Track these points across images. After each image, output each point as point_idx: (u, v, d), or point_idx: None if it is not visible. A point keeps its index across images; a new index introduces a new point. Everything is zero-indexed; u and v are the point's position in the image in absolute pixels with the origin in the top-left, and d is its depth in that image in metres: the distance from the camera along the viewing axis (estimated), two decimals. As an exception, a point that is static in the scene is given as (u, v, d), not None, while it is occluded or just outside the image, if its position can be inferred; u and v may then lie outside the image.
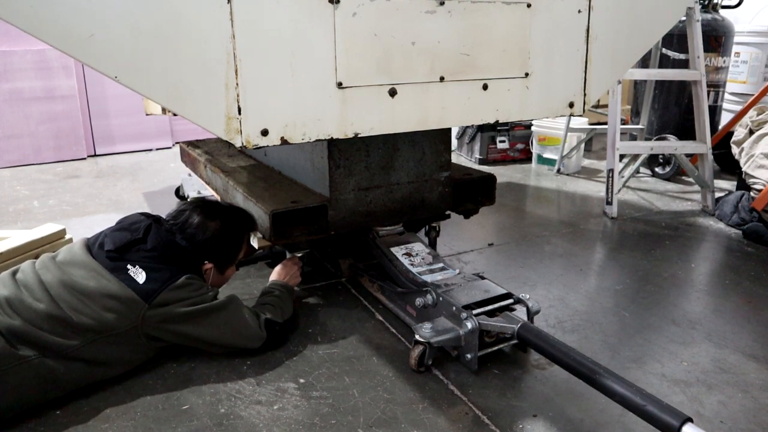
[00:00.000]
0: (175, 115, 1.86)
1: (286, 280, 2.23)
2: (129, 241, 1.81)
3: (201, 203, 2.04)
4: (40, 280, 1.72)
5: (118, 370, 1.81)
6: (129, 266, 1.75)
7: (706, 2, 4.28)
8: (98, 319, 1.68)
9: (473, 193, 2.61)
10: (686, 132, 4.02)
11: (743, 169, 3.50)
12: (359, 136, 1.73)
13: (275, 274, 2.26)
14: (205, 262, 1.97)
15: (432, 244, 2.65)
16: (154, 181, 4.40)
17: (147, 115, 3.92)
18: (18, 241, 2.70)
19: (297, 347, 2.04)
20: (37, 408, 1.67)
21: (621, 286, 2.57)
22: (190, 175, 3.59)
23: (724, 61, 4.37)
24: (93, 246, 1.85)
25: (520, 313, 1.96)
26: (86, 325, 1.67)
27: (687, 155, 3.79)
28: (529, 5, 1.91)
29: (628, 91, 5.49)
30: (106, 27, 1.34)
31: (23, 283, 1.72)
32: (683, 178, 4.36)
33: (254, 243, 2.44)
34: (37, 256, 2.72)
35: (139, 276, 1.74)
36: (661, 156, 4.39)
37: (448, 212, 2.58)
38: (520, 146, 4.97)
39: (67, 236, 2.95)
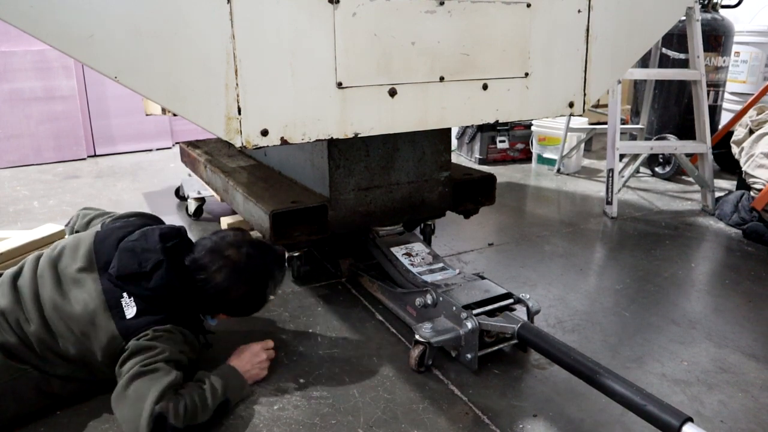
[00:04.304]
0: (175, 115, 1.85)
1: (244, 371, 1.78)
2: (132, 273, 1.63)
3: (232, 260, 1.74)
4: (36, 295, 1.62)
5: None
6: (124, 295, 1.61)
7: (706, 2, 4.28)
8: (81, 348, 1.60)
9: (473, 193, 2.61)
10: (686, 132, 4.02)
11: (743, 169, 3.50)
12: (359, 136, 1.73)
13: (236, 357, 1.82)
14: (220, 314, 1.84)
15: (427, 240, 2.65)
16: (154, 181, 4.40)
17: (147, 115, 3.92)
18: (18, 241, 2.70)
19: (297, 347, 2.04)
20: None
21: (621, 286, 2.57)
22: (190, 175, 3.60)
23: (724, 61, 4.37)
24: (100, 251, 1.68)
25: (520, 312, 1.96)
26: (70, 355, 1.60)
27: (687, 155, 3.79)
28: (529, 5, 1.91)
29: (628, 91, 5.49)
30: (106, 27, 1.34)
31: (21, 294, 1.63)
32: (683, 177, 4.36)
33: None
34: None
35: (129, 309, 1.60)
36: (661, 156, 4.39)
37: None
38: (520, 146, 4.97)
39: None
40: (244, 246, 1.78)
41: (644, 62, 4.25)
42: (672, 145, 3.81)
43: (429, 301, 2.00)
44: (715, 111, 4.45)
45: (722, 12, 4.40)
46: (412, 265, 2.24)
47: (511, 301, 1.99)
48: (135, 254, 1.66)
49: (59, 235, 2.88)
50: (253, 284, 1.79)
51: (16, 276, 1.69)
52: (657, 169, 4.45)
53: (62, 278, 1.64)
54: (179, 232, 1.80)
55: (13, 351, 1.57)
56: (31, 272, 1.67)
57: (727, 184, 4.14)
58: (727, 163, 4.35)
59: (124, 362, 1.57)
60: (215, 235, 1.82)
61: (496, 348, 1.94)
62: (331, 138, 1.69)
